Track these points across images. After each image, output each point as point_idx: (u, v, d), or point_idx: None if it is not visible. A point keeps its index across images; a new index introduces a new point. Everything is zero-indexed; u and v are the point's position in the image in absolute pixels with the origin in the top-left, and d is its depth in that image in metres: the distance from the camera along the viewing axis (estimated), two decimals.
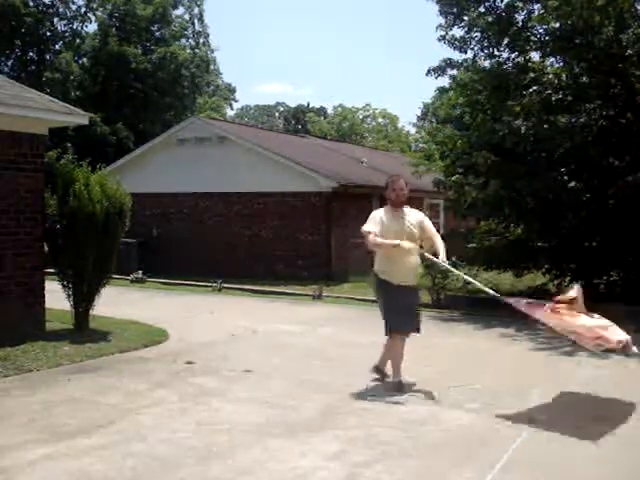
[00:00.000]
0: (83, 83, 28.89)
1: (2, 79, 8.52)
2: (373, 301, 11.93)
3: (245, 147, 16.56)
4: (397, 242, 5.55)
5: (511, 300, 5.60)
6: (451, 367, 6.80)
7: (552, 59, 11.55)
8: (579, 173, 10.80)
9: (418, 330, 5.90)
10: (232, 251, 16.15)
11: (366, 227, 5.72)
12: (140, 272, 15.25)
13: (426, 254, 5.85)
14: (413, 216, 5.88)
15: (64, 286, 8.31)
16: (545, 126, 10.11)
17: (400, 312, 5.73)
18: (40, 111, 7.76)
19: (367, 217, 5.90)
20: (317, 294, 12.51)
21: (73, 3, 30.63)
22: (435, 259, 5.79)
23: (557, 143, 10.18)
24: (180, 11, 33.99)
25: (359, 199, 16.31)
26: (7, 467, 3.97)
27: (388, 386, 5.77)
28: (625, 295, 10.71)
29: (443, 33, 11.64)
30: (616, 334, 5.32)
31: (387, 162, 23.81)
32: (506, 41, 11.38)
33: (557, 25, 10.85)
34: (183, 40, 33.65)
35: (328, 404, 5.35)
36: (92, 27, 31.59)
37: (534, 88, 10.56)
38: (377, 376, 6.00)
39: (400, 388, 5.68)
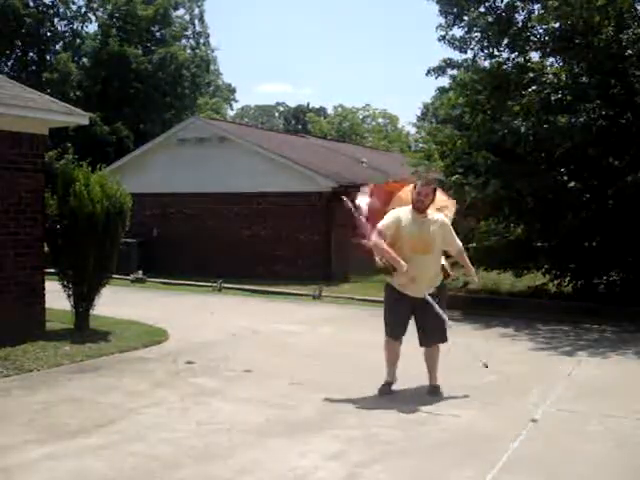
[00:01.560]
0: (83, 83, 28.87)
1: (2, 79, 8.52)
2: (373, 301, 11.96)
3: (245, 147, 16.55)
4: (403, 264, 5.24)
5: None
6: (450, 367, 6.80)
7: (552, 59, 11.57)
8: (579, 173, 10.81)
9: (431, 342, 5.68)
10: (232, 251, 16.13)
11: (380, 223, 5.44)
12: (140, 272, 15.25)
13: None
14: (435, 224, 5.48)
15: (64, 286, 8.31)
16: (545, 126, 10.12)
17: (391, 318, 5.64)
18: (40, 111, 7.76)
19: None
20: (317, 294, 12.51)
21: (73, 3, 30.66)
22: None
23: (557, 143, 10.19)
24: (180, 11, 34.04)
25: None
26: (8, 467, 3.97)
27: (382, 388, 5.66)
28: (625, 295, 10.72)
29: (443, 33, 11.66)
30: None
31: (387, 162, 23.80)
32: (506, 41, 11.39)
33: (557, 25, 10.87)
34: (183, 40, 33.65)
35: (328, 404, 5.35)
36: (92, 27, 31.64)
37: (533, 88, 10.57)
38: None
39: (382, 391, 5.60)
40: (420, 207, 5.44)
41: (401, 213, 5.52)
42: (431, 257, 5.45)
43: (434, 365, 5.71)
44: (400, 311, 5.59)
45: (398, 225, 5.43)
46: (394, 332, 5.61)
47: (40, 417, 4.93)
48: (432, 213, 5.55)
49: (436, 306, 5.43)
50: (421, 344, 5.68)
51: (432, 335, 5.61)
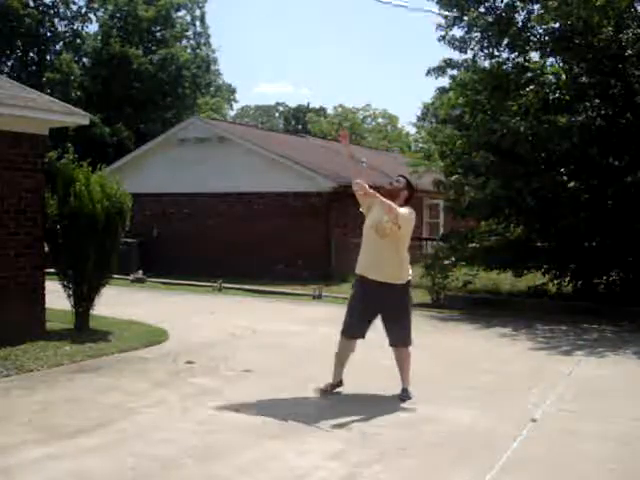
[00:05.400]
0: (84, 83, 28.88)
1: (2, 79, 8.52)
2: None
3: (245, 147, 16.55)
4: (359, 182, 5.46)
5: None
6: (451, 367, 6.81)
7: (552, 59, 11.58)
8: (578, 173, 10.82)
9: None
10: (232, 251, 16.13)
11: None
12: (140, 272, 15.24)
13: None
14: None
15: (64, 286, 8.31)
16: (545, 126, 10.13)
17: (351, 313, 5.62)
18: (40, 111, 7.76)
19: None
20: (317, 294, 12.52)
21: (74, 3, 30.67)
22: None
23: (556, 143, 10.20)
24: (181, 12, 34.02)
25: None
26: (8, 467, 3.97)
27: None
28: (625, 295, 10.73)
29: (443, 33, 11.67)
30: None
31: (387, 162, 23.80)
32: (506, 41, 11.40)
33: (556, 25, 10.89)
34: (184, 41, 33.65)
35: (328, 404, 5.35)
36: (93, 28, 31.64)
37: (531, 87, 10.59)
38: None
39: (323, 391, 5.56)
40: (386, 193, 5.50)
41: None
42: (390, 243, 5.38)
43: (401, 367, 5.60)
44: (359, 308, 5.54)
45: (369, 206, 5.63)
46: (348, 330, 5.61)
47: (40, 417, 4.93)
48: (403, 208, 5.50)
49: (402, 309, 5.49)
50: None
51: (393, 335, 5.56)
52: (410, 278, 5.57)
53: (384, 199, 5.34)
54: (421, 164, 15.40)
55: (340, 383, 5.68)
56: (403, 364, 5.59)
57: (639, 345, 8.07)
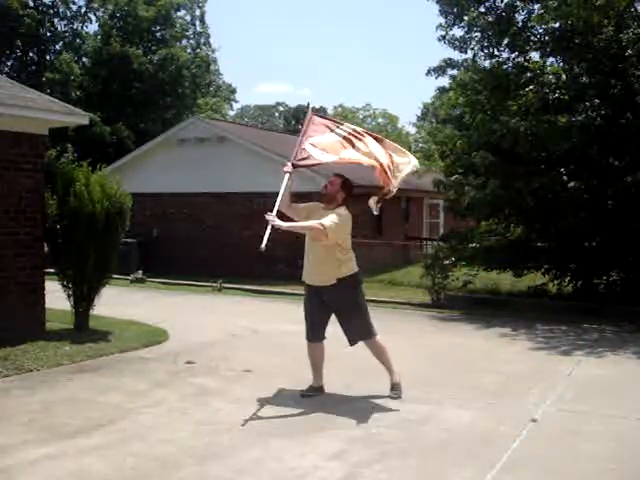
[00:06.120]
0: (84, 83, 28.87)
1: (2, 79, 8.52)
2: (372, 301, 11.94)
3: (245, 147, 16.55)
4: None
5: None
6: (451, 367, 6.81)
7: (552, 59, 11.59)
8: (579, 173, 10.82)
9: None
10: (232, 251, 16.13)
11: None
12: (140, 272, 15.24)
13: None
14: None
15: (64, 286, 8.30)
16: (545, 126, 10.13)
17: (306, 318, 5.62)
18: (40, 111, 7.76)
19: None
20: None
21: (74, 3, 30.64)
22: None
23: (556, 143, 10.20)
24: (181, 12, 34.01)
25: (359, 199, 16.30)
26: (8, 467, 3.97)
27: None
28: (625, 295, 10.73)
29: (443, 33, 11.67)
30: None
31: None
32: (506, 41, 11.40)
33: (557, 25, 10.89)
34: (184, 41, 33.64)
35: (328, 404, 5.35)
36: (93, 28, 31.63)
37: (531, 87, 10.59)
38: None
39: (303, 394, 5.56)
40: (328, 199, 5.65)
41: (314, 204, 5.85)
42: (324, 247, 5.35)
43: (384, 362, 5.62)
44: (311, 311, 5.57)
45: (309, 212, 5.67)
46: (307, 333, 5.62)
47: (40, 417, 4.94)
48: (341, 209, 5.56)
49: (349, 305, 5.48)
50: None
51: (350, 333, 5.57)
52: (351, 273, 5.47)
53: (305, 224, 5.42)
54: (421, 164, 15.37)
55: (321, 389, 5.65)
56: (381, 358, 5.59)
57: (639, 345, 8.07)
